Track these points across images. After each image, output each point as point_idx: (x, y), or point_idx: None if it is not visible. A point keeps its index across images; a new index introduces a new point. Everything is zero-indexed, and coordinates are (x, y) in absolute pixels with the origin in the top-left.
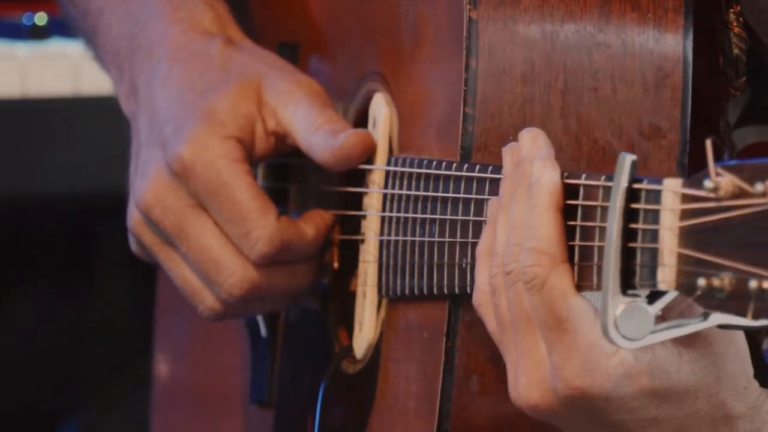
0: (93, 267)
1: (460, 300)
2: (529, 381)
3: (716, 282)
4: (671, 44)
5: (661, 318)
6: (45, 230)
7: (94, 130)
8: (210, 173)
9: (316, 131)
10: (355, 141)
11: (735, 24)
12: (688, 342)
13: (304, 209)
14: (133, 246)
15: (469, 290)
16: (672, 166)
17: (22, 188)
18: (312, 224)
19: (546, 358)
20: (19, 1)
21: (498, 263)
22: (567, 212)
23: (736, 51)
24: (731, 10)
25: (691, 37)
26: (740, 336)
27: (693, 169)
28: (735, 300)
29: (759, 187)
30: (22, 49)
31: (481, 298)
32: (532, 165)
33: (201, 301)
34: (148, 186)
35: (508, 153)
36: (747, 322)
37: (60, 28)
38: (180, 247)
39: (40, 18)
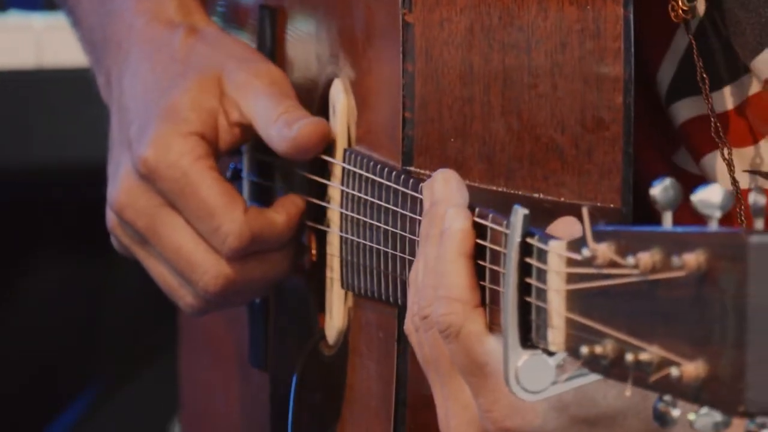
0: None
1: None
2: (459, 423)
3: (599, 349)
4: (611, 36)
5: (562, 368)
6: (60, 201)
7: None
8: (174, 173)
9: (275, 123)
10: (309, 131)
11: None
12: None
13: (290, 185)
14: (115, 244)
15: None
16: (617, 157)
17: (38, 159)
18: (283, 211)
19: (472, 400)
20: None
21: (416, 301)
22: (478, 252)
23: None
24: None
25: (631, 27)
26: None
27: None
28: (617, 368)
29: (630, 260)
30: (37, 20)
31: (407, 329)
32: (445, 213)
33: (180, 298)
34: (119, 188)
35: (426, 190)
36: (630, 388)
37: None
38: (154, 247)
39: None
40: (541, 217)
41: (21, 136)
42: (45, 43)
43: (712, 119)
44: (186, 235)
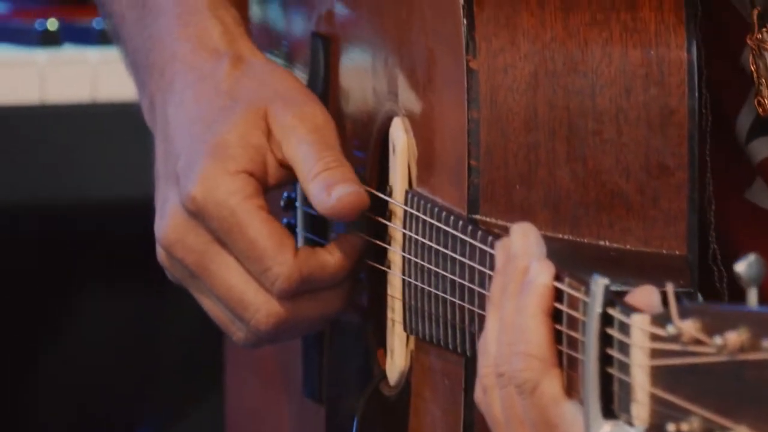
0: (163, 273)
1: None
2: None
3: (685, 427)
4: (675, 80)
5: None
6: (115, 235)
7: None
8: (223, 212)
9: (313, 180)
10: (348, 202)
11: None
12: None
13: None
14: (168, 275)
15: None
16: (683, 204)
17: (94, 193)
18: (337, 252)
19: None
20: (90, 6)
21: (489, 363)
22: (554, 315)
23: None
24: (764, 29)
25: (695, 71)
26: None
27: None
28: None
29: (717, 340)
30: (92, 53)
31: (477, 396)
32: (529, 265)
33: (233, 333)
34: (167, 224)
35: (500, 248)
36: None
37: None
38: (205, 283)
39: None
40: (607, 265)
41: (77, 169)
42: (100, 77)
43: None
44: (236, 273)
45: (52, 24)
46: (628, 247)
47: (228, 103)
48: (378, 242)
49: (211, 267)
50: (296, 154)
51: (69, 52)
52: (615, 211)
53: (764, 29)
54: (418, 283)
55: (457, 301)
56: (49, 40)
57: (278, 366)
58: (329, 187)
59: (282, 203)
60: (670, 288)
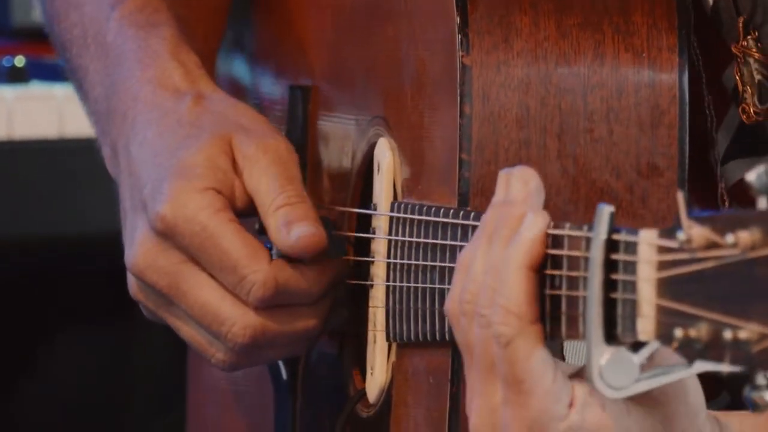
0: (132, 309)
1: None
2: (481, 424)
3: (693, 332)
4: (666, 83)
5: (645, 366)
6: (84, 271)
7: None
8: (194, 227)
9: (274, 212)
10: (306, 243)
11: (755, 50)
12: (637, 399)
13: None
14: (144, 311)
15: None
16: (672, 204)
17: (61, 229)
18: (314, 266)
19: (500, 407)
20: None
21: (473, 290)
22: (552, 262)
23: (758, 77)
24: (749, 36)
25: (686, 75)
26: (693, 394)
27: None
28: (712, 349)
29: (730, 238)
30: (59, 90)
31: (452, 309)
32: (521, 215)
33: (212, 355)
34: (137, 251)
35: (503, 178)
36: (727, 368)
37: None
38: (179, 305)
39: None
40: None
41: (44, 205)
42: (67, 113)
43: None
44: (211, 289)
45: (20, 61)
46: None
47: (193, 132)
48: (360, 258)
49: (184, 287)
50: (258, 185)
51: (36, 88)
52: None
53: (749, 37)
54: (404, 284)
55: (447, 287)
56: (16, 76)
57: (246, 417)
58: (289, 223)
59: (257, 226)
60: (680, 195)
